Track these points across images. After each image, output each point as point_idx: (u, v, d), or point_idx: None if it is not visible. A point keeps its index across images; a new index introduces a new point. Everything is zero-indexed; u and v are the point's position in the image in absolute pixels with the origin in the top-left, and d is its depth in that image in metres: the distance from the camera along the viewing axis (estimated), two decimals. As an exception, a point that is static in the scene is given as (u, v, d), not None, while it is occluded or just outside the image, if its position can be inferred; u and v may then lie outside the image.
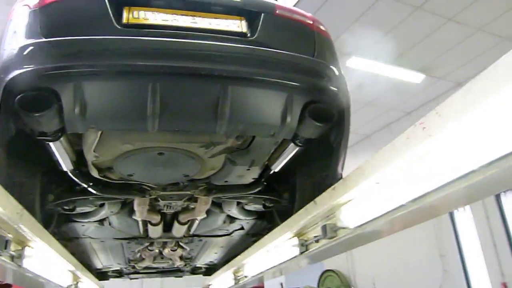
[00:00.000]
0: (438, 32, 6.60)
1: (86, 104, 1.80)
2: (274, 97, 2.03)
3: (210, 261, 5.06)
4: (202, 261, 5.05)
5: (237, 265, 3.93)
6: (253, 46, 2.04)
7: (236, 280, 4.16)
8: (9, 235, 2.01)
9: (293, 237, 2.62)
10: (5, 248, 1.95)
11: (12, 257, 2.11)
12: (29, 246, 2.23)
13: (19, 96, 1.75)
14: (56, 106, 1.77)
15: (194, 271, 5.70)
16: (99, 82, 1.83)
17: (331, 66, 2.23)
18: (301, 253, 2.54)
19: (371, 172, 1.74)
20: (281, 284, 12.08)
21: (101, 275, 5.23)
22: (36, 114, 1.75)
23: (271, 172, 2.62)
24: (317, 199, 2.20)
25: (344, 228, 2.14)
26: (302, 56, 2.14)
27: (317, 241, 2.38)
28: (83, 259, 4.11)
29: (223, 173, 2.52)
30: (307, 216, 2.32)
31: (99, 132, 2.05)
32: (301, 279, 11.10)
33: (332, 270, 10.66)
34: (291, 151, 2.38)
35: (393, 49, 6.97)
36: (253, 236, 3.82)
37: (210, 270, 5.51)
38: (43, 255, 2.51)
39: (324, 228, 2.23)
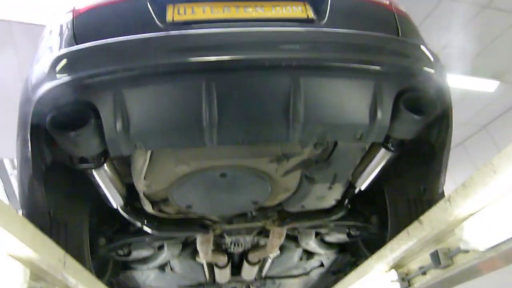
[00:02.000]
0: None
1: (128, 117, 1.52)
2: (358, 87, 1.64)
3: None
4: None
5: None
6: (324, 29, 1.70)
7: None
8: (55, 288, 1.73)
9: (390, 270, 2.16)
10: (49, 303, 1.64)
11: (59, 314, 1.81)
12: (80, 300, 1.94)
13: (50, 115, 1.50)
14: (94, 122, 1.50)
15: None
16: (142, 89, 1.54)
17: (423, 46, 1.81)
18: (403, 290, 2.07)
19: (507, 168, 1.25)
20: None
21: None
22: (72, 133, 1.48)
23: (356, 190, 2.19)
24: (423, 217, 1.76)
25: (466, 252, 1.65)
26: (386, 35, 1.74)
27: (424, 273, 1.93)
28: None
29: (299, 196, 2.13)
30: (409, 241, 1.87)
31: (149, 154, 1.75)
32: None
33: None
34: (381, 160, 1.94)
35: (460, 55, 6.39)
36: (334, 274, 3.37)
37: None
38: (99, 310, 2.21)
39: (435, 255, 1.77)
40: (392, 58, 1.69)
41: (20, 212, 1.88)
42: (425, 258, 1.85)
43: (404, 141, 1.82)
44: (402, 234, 1.90)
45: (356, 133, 1.68)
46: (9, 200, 7.99)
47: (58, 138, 1.55)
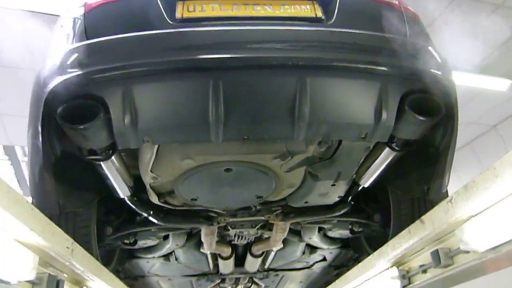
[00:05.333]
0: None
1: (137, 112, 1.54)
2: (364, 88, 1.65)
3: None
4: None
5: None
6: (332, 29, 1.70)
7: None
8: (64, 274, 1.78)
9: (391, 267, 2.18)
10: (57, 288, 1.68)
11: (66, 299, 1.86)
12: (86, 286, 1.99)
13: (60, 108, 1.52)
14: (103, 116, 1.53)
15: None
16: (150, 84, 1.56)
17: (430, 47, 1.80)
18: (403, 287, 2.08)
19: (509, 173, 1.26)
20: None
21: None
22: (81, 126, 1.51)
23: (360, 188, 2.20)
24: (425, 217, 1.77)
25: (466, 252, 1.67)
26: (394, 36, 1.74)
27: (424, 272, 1.94)
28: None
29: (302, 192, 2.14)
30: (410, 240, 1.89)
31: (156, 148, 1.78)
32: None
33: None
34: (385, 159, 1.95)
35: (473, 54, 6.32)
36: (336, 268, 3.40)
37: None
38: (105, 297, 2.26)
39: (435, 253, 1.79)
40: (399, 60, 1.68)
41: (30, 199, 1.92)
42: (426, 257, 1.87)
43: (408, 141, 1.83)
44: (404, 233, 1.91)
45: (360, 132, 1.69)
46: (20, 186, 8.09)
47: (68, 130, 1.57)
